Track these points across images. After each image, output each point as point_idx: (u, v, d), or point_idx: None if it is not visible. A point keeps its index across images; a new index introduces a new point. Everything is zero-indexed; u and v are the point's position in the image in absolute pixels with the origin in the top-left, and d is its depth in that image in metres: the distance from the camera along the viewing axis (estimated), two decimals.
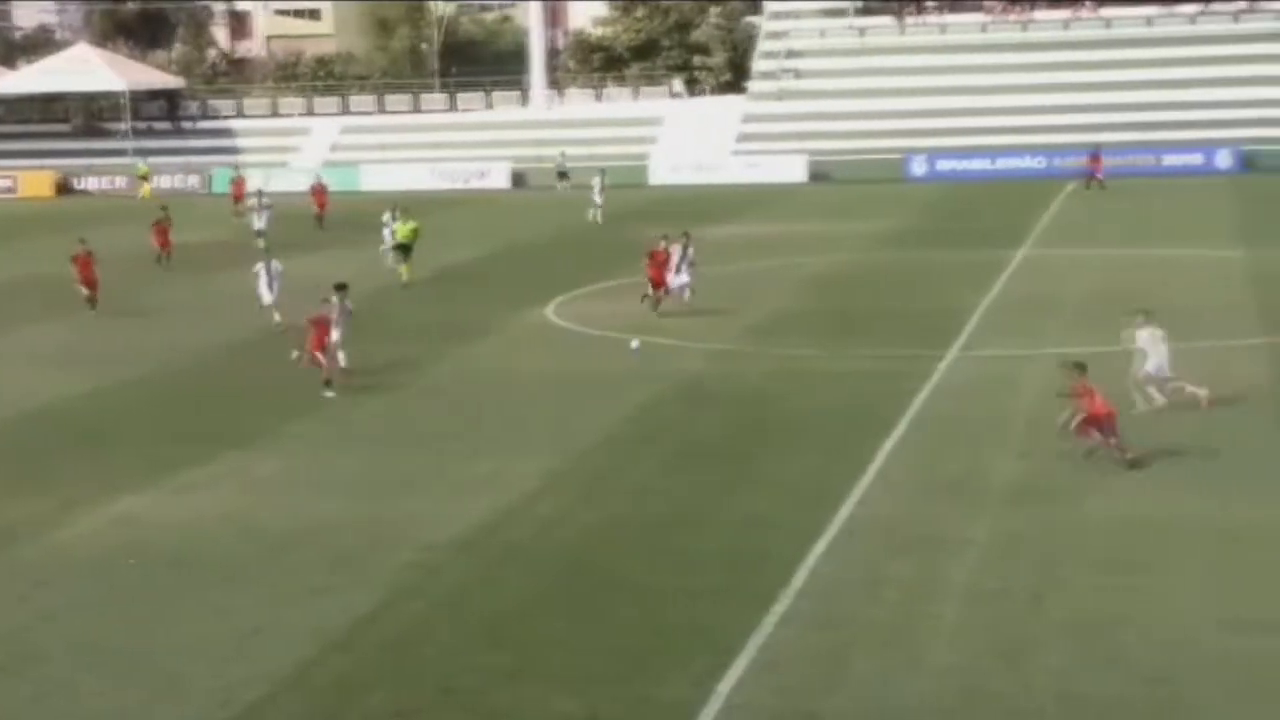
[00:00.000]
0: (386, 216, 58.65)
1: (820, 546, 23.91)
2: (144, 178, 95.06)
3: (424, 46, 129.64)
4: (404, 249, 53.62)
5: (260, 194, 70.99)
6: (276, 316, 43.43)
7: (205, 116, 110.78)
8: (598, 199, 73.08)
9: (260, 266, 45.50)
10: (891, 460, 28.83)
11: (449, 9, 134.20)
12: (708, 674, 19.12)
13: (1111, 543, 23.65)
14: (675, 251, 46.08)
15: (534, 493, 27.60)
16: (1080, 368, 27.94)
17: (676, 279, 45.75)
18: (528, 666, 19.68)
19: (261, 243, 60.66)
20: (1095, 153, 79.00)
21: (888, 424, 31.27)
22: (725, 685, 18.84)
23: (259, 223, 67.47)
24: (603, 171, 76.60)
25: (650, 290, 45.34)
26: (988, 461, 28.46)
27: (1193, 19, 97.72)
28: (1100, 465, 27.76)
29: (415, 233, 53.99)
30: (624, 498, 27.21)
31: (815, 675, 19.20)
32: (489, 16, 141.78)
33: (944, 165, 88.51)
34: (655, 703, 18.58)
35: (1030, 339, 39.64)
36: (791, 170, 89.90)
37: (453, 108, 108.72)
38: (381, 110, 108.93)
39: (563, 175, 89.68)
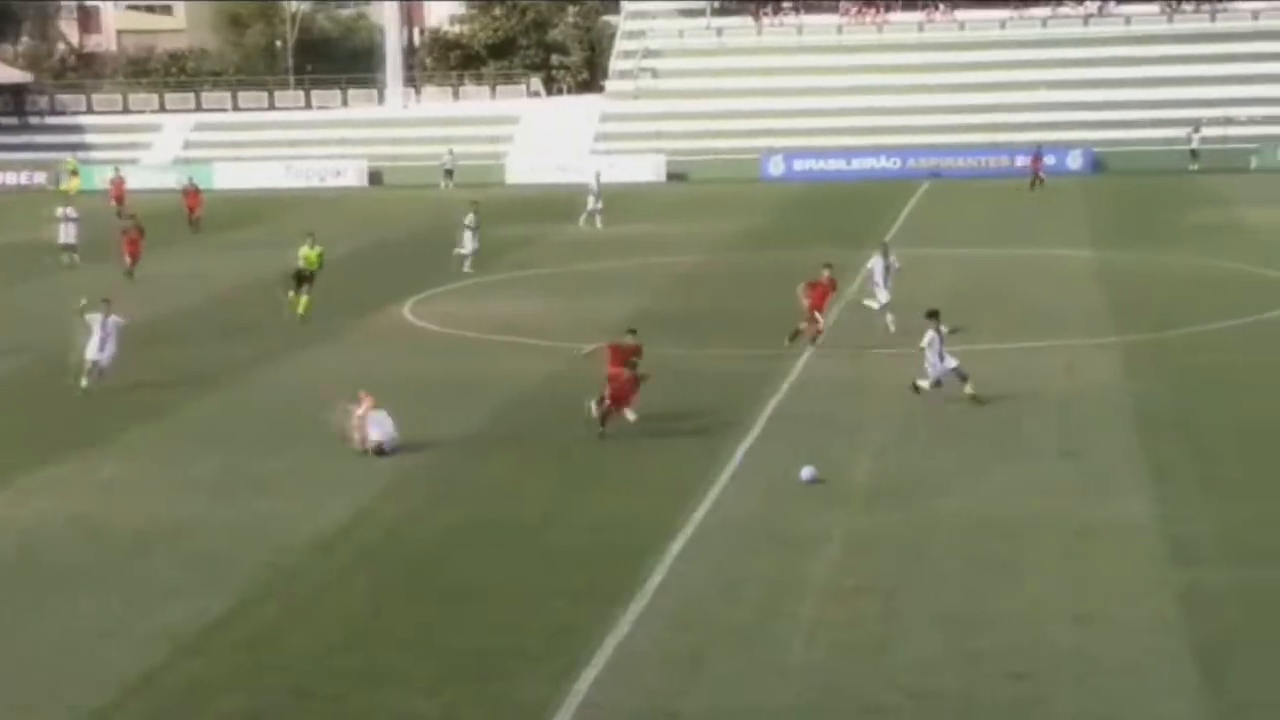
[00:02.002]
0: (470, 219, 54.56)
1: (678, 546, 23.86)
2: (74, 173, 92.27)
3: (278, 44, 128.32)
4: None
5: (67, 209, 60.16)
6: (85, 382, 35.20)
7: (53, 112, 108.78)
8: (595, 203, 67.67)
9: (96, 319, 35.43)
10: (749, 459, 28.86)
11: (303, 6, 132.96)
12: (565, 674, 19.00)
13: (968, 540, 23.79)
14: (876, 265, 40.78)
15: (389, 493, 27.33)
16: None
17: (880, 294, 40.52)
18: (383, 668, 19.44)
19: (66, 259, 57.28)
20: (1038, 153, 79.34)
21: (746, 423, 31.31)
22: (583, 685, 18.74)
23: (66, 236, 58.32)
24: (598, 172, 72.66)
25: (803, 324, 38.20)
26: (845, 460, 28.54)
27: (1044, 22, 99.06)
28: (956, 462, 27.96)
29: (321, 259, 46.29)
30: (481, 498, 27.01)
31: (673, 674, 19.13)
32: (344, 14, 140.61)
33: (800, 165, 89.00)
34: (512, 703, 18.44)
35: (887, 337, 39.81)
36: (649, 169, 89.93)
37: (308, 105, 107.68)
38: (235, 108, 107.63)
39: (448, 173, 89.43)
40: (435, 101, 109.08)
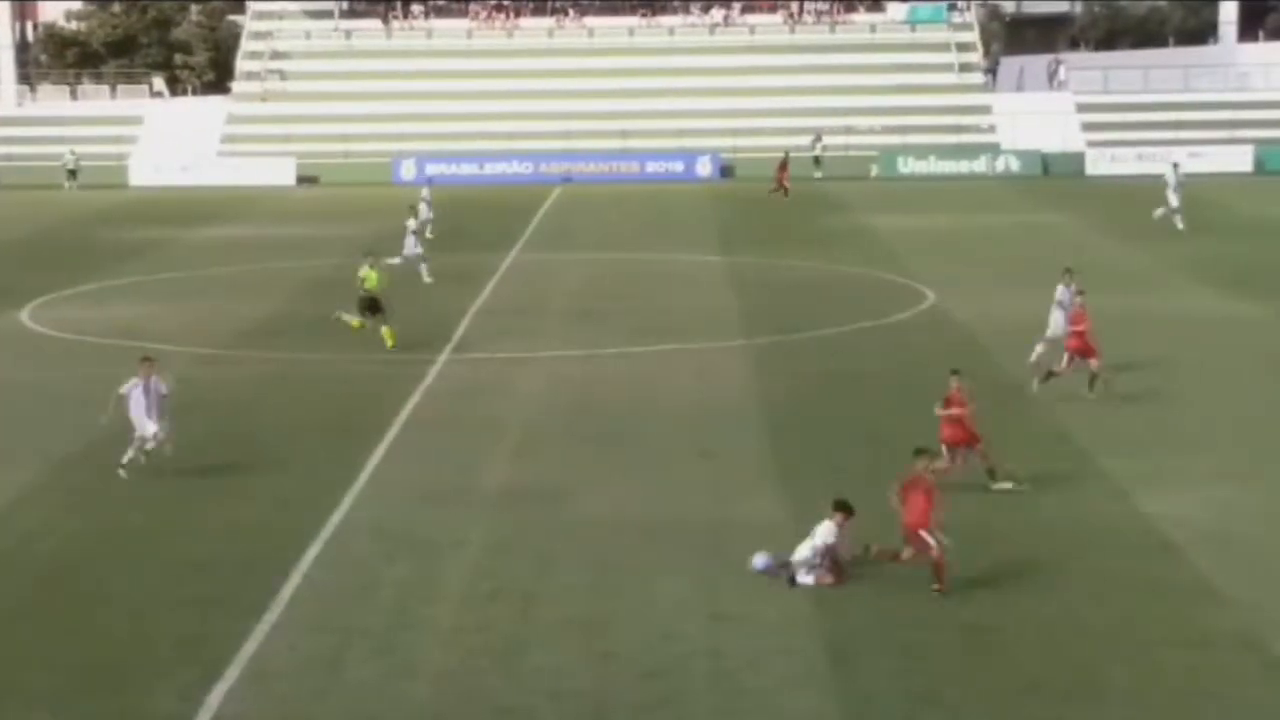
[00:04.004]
0: (412, 223, 51.96)
1: (312, 553, 23.55)
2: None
3: None
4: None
5: None
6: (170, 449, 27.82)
7: None
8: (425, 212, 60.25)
9: (134, 387, 27.73)
10: (384, 464, 28.63)
11: None
12: (197, 685, 18.61)
13: (603, 543, 23.98)
14: (1060, 294, 34.54)
15: (12, 505, 26.40)
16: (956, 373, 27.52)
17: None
18: (6, 684, 18.77)
19: None
20: (784, 161, 79.45)
21: (380, 428, 31.04)
22: (215, 697, 18.39)
23: None
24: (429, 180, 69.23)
25: (947, 452, 26.88)
26: (481, 464, 28.53)
27: (671, 31, 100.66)
28: (592, 466, 28.19)
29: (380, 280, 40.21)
30: (107, 509, 26.22)
31: (309, 683, 18.88)
32: None
33: (433, 169, 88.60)
34: (142, 717, 17.99)
35: (520, 341, 40.00)
36: (279, 173, 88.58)
37: None
38: None
39: (72, 174, 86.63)
40: (52, 100, 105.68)
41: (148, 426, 27.37)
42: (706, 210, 72.14)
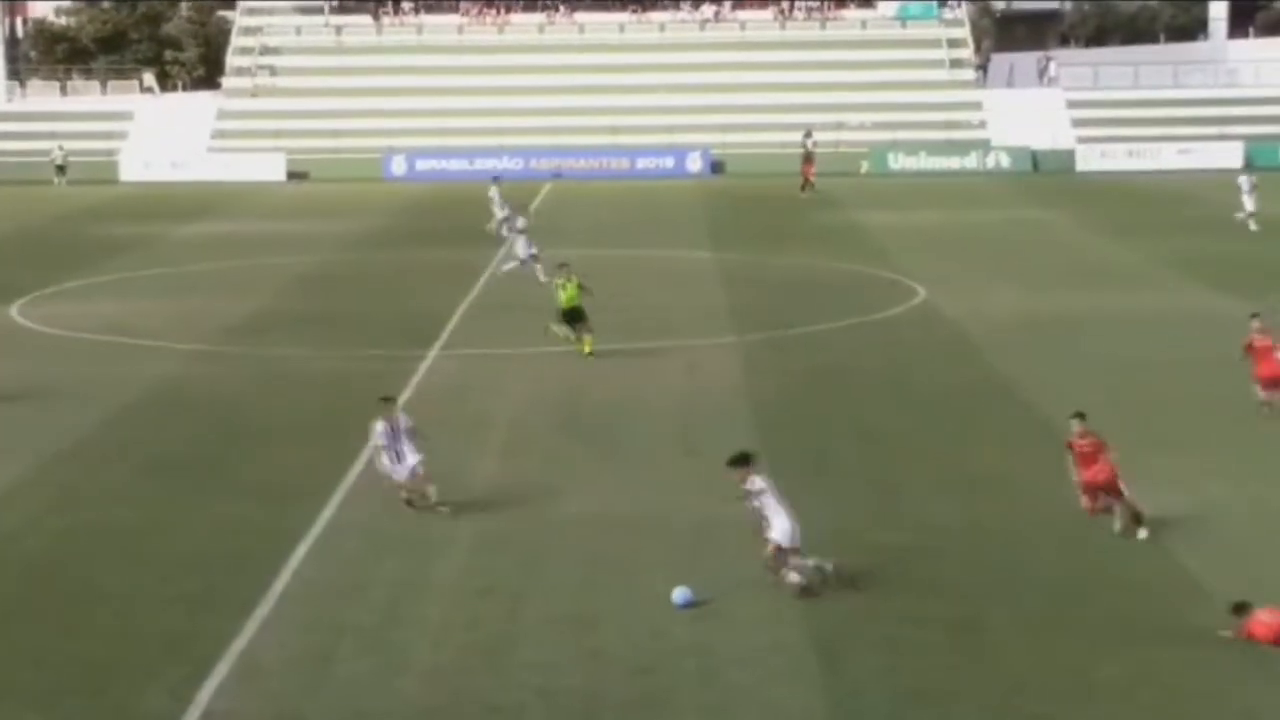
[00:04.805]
0: (521, 222, 51.64)
1: (302, 549, 23.56)
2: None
3: None
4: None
5: None
6: (433, 493, 25.68)
7: None
8: (498, 211, 60.29)
9: (382, 434, 25.77)
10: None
11: None
12: (186, 683, 18.62)
13: (590, 541, 24.00)
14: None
15: (0, 501, 26.39)
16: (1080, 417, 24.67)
17: None
18: None
19: None
20: (808, 154, 79.05)
21: (366, 424, 30.96)
22: (205, 694, 18.40)
23: None
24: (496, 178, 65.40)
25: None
26: (471, 461, 28.52)
27: (662, 27, 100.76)
28: (581, 463, 28.20)
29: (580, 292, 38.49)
30: (96, 506, 26.20)
31: (299, 680, 18.89)
32: None
33: (424, 165, 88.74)
34: (132, 715, 18.00)
35: (510, 339, 40.00)
36: (269, 169, 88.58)
37: None
38: None
39: (60, 170, 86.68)
40: (42, 96, 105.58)
41: (399, 471, 25.46)
42: (697, 206, 72.18)
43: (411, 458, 25.42)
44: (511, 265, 48.77)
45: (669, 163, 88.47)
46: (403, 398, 33.48)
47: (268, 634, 20.28)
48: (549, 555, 23.39)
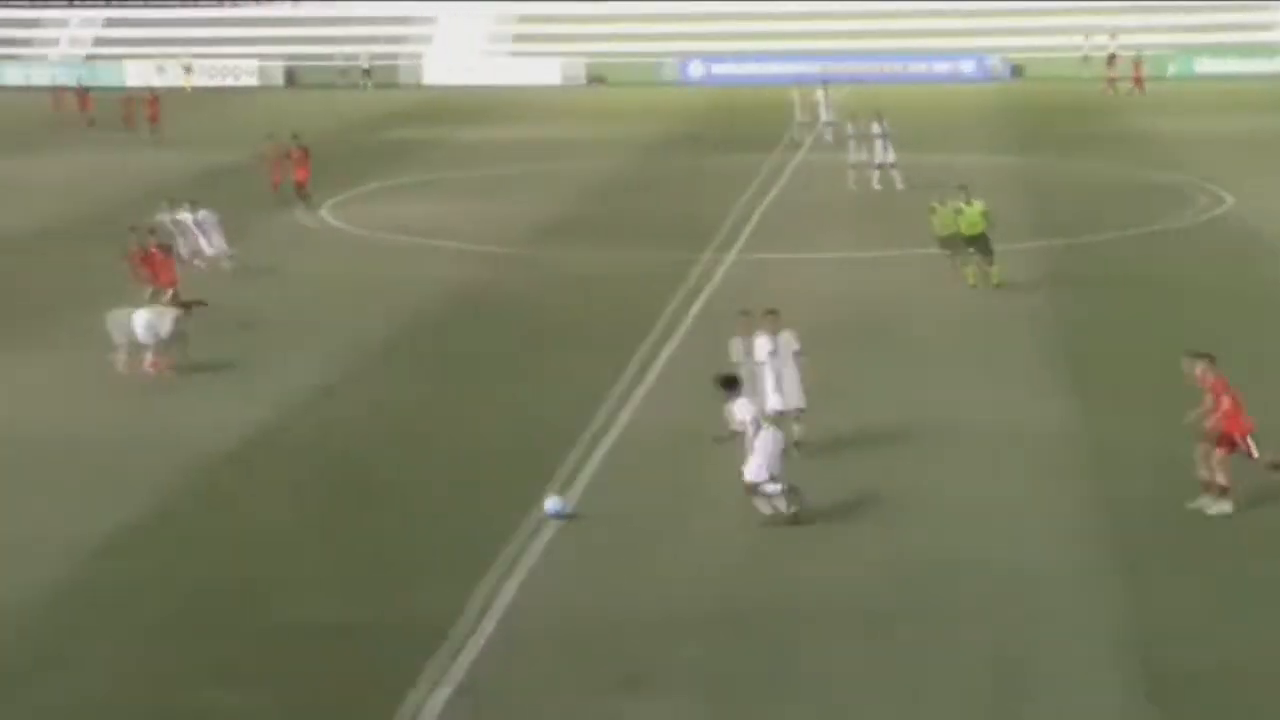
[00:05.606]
0: (876, 127, 48.95)
1: (601, 448, 23.88)
2: (187, 69, 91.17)
3: None
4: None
5: None
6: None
7: None
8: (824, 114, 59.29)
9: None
10: (671, 364, 28.82)
11: None
12: (475, 577, 19.00)
13: (886, 446, 23.87)
14: None
15: (310, 401, 27.14)
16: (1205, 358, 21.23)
17: None
18: (303, 575, 19.47)
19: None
20: (1111, 57, 78.43)
21: (669, 327, 31.31)
22: (498, 588, 18.74)
23: None
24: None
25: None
26: None
27: None
28: (876, 368, 28.08)
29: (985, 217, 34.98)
30: (400, 408, 26.71)
31: (592, 577, 19.28)
32: None
33: (720, 69, 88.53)
34: (422, 605, 18.40)
35: (806, 243, 39.94)
36: (569, 72, 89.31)
37: (219, 2, 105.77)
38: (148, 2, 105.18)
39: (366, 74, 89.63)
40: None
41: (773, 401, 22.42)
42: (993, 112, 70.89)
43: (778, 400, 22.80)
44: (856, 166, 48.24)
45: (968, 67, 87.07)
46: (701, 299, 33.71)
47: (560, 533, 20.60)
48: (852, 473, 23.33)
